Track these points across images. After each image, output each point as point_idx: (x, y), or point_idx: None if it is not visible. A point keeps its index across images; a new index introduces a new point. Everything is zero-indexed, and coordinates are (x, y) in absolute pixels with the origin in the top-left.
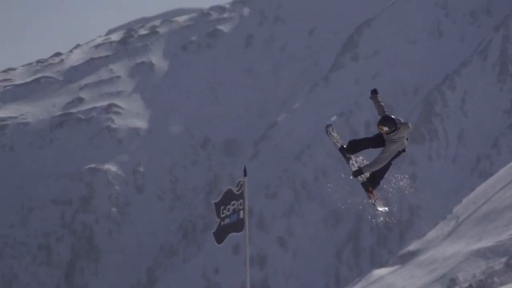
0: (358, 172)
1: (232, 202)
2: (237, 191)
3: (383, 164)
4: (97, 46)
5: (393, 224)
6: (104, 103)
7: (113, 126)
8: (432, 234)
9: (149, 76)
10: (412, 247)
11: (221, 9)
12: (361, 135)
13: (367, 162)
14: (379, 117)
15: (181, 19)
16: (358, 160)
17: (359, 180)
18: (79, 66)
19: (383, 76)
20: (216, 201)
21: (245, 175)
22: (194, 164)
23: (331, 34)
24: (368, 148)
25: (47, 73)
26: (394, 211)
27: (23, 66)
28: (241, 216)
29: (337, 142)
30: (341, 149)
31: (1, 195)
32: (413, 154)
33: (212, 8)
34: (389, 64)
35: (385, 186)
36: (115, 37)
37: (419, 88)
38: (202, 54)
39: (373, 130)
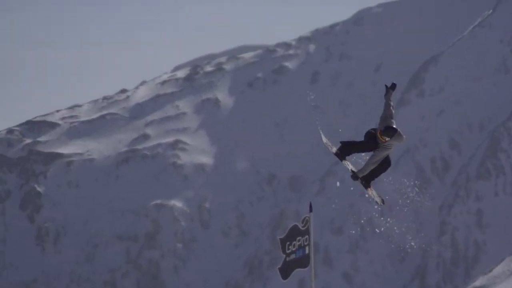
0: (355, 177)
1: (298, 238)
2: (302, 226)
3: (374, 167)
4: (163, 82)
5: (459, 260)
6: (170, 139)
7: (179, 162)
8: (498, 270)
9: (215, 112)
10: (478, 283)
11: (286, 45)
12: (427, 171)
13: (360, 167)
14: (380, 120)
15: (247, 55)
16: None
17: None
18: (145, 103)
19: (449, 112)
20: (281, 237)
21: (310, 210)
22: (259, 200)
23: (397, 70)
24: (360, 152)
25: (113, 110)
26: (460, 247)
27: (89, 102)
28: (307, 251)
29: (331, 147)
30: (337, 154)
31: (67, 231)
32: (479, 190)
33: (278, 45)
34: (455, 100)
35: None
36: (181, 73)
37: (485, 124)
38: (268, 91)
39: (440, 166)
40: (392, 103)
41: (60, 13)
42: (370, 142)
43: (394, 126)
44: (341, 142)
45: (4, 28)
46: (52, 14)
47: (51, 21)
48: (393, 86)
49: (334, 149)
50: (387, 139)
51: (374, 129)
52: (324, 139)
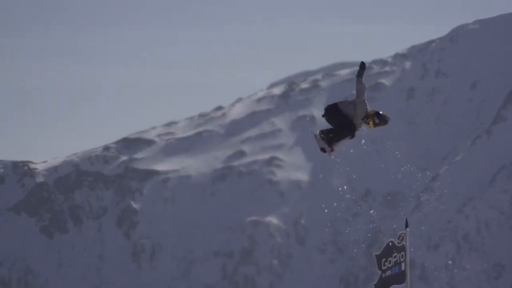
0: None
1: (394, 254)
2: (398, 243)
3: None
4: (259, 99)
5: None
6: (266, 156)
7: (275, 179)
8: None
9: (310, 129)
10: None
11: (382, 62)
12: None
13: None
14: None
15: (343, 72)
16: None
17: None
18: (241, 120)
19: None
20: (377, 253)
21: (406, 227)
22: (355, 216)
23: (493, 87)
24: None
25: (209, 127)
26: None
27: (185, 119)
28: (403, 268)
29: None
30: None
31: (163, 247)
32: None
33: (374, 62)
34: None
35: None
36: (276, 90)
37: None
38: None
39: None
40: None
41: (156, 32)
42: (348, 128)
43: (383, 113)
44: (321, 132)
45: (101, 47)
46: (148, 33)
47: (147, 40)
48: (363, 65)
49: (325, 146)
50: (378, 124)
51: (342, 116)
52: (321, 144)
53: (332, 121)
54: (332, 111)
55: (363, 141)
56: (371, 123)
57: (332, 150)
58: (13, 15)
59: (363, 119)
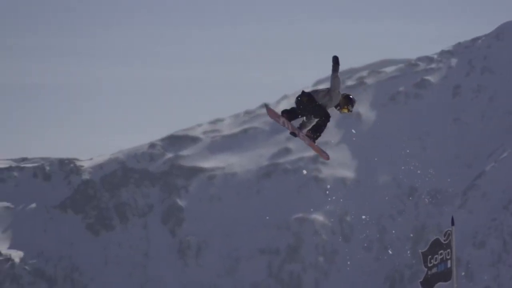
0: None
1: (440, 252)
2: (444, 240)
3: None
4: None
5: None
6: (311, 153)
7: (320, 176)
8: None
9: (356, 126)
10: None
11: (428, 59)
12: None
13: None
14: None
15: (389, 69)
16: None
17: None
18: None
19: None
20: (423, 250)
21: (452, 224)
22: (401, 213)
23: None
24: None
25: (255, 124)
26: None
27: (230, 116)
28: (449, 265)
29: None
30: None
31: (209, 244)
32: None
33: (420, 59)
34: None
35: None
36: (322, 87)
37: None
38: (409, 104)
39: None
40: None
41: (201, 30)
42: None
43: (352, 97)
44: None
45: (144, 45)
46: (194, 32)
47: (193, 38)
48: (336, 60)
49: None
50: (351, 110)
51: (316, 105)
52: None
53: (306, 108)
54: (306, 100)
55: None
56: (346, 111)
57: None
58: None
59: (336, 107)
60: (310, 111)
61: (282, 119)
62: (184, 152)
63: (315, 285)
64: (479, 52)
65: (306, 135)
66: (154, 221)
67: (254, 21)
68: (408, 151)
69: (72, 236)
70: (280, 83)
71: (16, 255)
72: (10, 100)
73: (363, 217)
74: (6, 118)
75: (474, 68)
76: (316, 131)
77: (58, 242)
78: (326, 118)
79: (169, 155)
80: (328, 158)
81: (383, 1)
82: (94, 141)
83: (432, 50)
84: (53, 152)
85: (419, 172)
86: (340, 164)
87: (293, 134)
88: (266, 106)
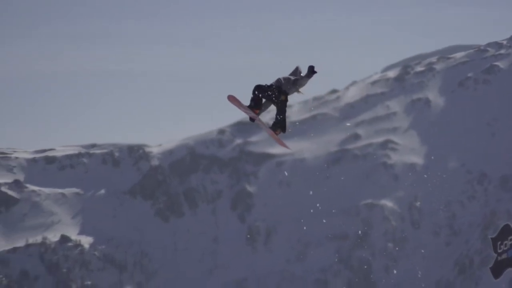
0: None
1: (510, 238)
2: None
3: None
4: (373, 82)
5: None
6: (380, 139)
7: (389, 162)
8: None
9: (425, 112)
10: None
11: (498, 45)
12: None
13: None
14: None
15: (458, 55)
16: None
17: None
18: (356, 103)
19: None
20: (493, 236)
21: None
22: (470, 199)
23: None
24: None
25: (324, 110)
26: None
27: (299, 103)
28: None
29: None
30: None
31: (278, 230)
32: None
33: (489, 45)
34: None
35: None
36: (391, 73)
37: None
38: (479, 90)
39: None
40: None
41: (272, 16)
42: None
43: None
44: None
45: (216, 32)
46: (264, 18)
47: (262, 24)
48: (312, 69)
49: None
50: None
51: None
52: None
53: (265, 93)
54: (264, 89)
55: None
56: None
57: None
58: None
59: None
60: (268, 94)
61: (249, 111)
62: (253, 138)
63: (385, 271)
64: None
65: (274, 130)
66: (223, 207)
67: (325, 9)
68: (477, 136)
69: (141, 222)
70: (350, 68)
71: (86, 241)
72: (80, 86)
73: (433, 203)
74: (76, 105)
75: None
76: (281, 123)
77: (127, 228)
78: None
79: (238, 141)
80: (288, 148)
81: None
82: (163, 127)
83: (501, 36)
84: (122, 138)
85: (488, 158)
86: (409, 150)
87: (252, 120)
88: (229, 96)
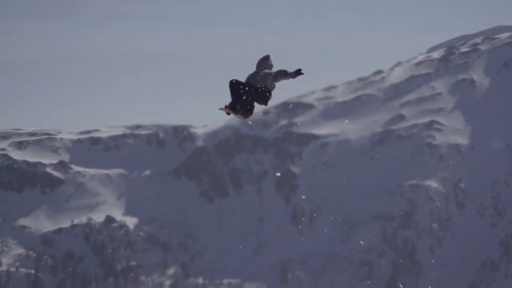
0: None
1: None
2: None
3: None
4: (418, 63)
5: None
6: (425, 120)
7: (434, 142)
8: None
9: (470, 92)
10: None
11: None
12: None
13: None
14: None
15: (503, 36)
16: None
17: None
18: (400, 84)
19: None
20: None
21: None
22: None
23: None
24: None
25: (368, 91)
26: None
27: (344, 83)
28: None
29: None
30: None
31: (323, 211)
32: None
33: None
34: None
35: None
36: (436, 54)
37: None
38: None
39: None
40: (280, 79)
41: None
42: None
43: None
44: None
45: (263, 14)
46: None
47: (310, 7)
48: (299, 72)
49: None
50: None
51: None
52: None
53: (243, 92)
54: (241, 86)
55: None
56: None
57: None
58: None
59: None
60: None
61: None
62: (298, 119)
63: (429, 251)
64: None
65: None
66: (268, 187)
67: None
68: None
69: (186, 202)
70: (394, 49)
71: (131, 222)
72: (126, 67)
73: (477, 183)
74: (121, 86)
75: None
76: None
77: (172, 208)
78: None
79: (283, 122)
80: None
81: None
82: (208, 108)
83: None
84: (167, 119)
85: None
86: (454, 131)
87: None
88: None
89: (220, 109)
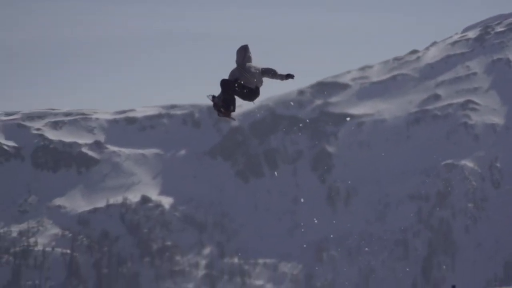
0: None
1: None
2: None
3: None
4: (454, 43)
5: None
6: (461, 99)
7: (470, 122)
8: None
9: (506, 72)
10: None
11: None
12: None
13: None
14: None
15: None
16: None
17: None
18: (436, 63)
19: None
20: None
21: None
22: None
23: None
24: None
25: (404, 70)
26: None
27: (379, 63)
28: None
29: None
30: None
31: (358, 191)
32: None
33: None
34: None
35: None
36: (471, 34)
37: None
38: None
39: None
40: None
41: None
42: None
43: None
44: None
45: None
46: None
47: None
48: (291, 77)
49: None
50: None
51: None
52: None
53: (232, 90)
54: (231, 85)
55: None
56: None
57: (228, 114)
58: None
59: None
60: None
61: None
62: (333, 99)
63: (465, 231)
64: None
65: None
66: (303, 167)
67: None
68: None
69: (221, 182)
70: (430, 29)
71: (166, 201)
72: (161, 47)
73: None
74: (157, 66)
75: None
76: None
77: (207, 188)
78: (254, 93)
79: (318, 101)
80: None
81: None
82: None
83: None
84: (202, 99)
85: None
86: (489, 110)
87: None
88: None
89: (210, 100)
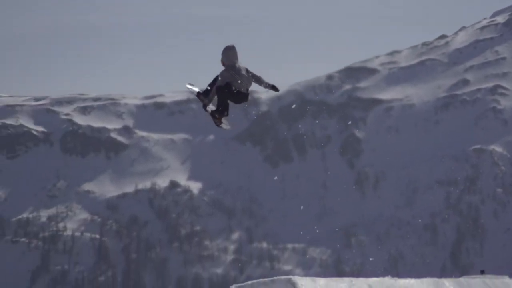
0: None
1: None
2: None
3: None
4: (482, 28)
5: None
6: (489, 84)
7: (499, 107)
8: None
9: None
10: None
11: None
12: None
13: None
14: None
15: None
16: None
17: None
18: (464, 48)
19: None
20: None
21: None
22: None
23: None
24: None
25: (432, 55)
26: None
27: (408, 48)
28: None
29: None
30: (199, 94)
31: (387, 176)
32: None
33: None
34: None
35: None
36: (500, 19)
37: None
38: None
39: None
40: (260, 83)
41: None
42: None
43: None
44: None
45: None
46: None
47: None
48: (275, 89)
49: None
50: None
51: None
52: (191, 88)
53: (228, 95)
54: (227, 89)
55: None
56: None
57: (221, 120)
58: None
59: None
60: (230, 95)
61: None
62: (362, 84)
63: (494, 216)
64: None
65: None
66: (332, 152)
67: None
68: None
69: (250, 167)
70: (458, 14)
71: (195, 187)
72: (189, 33)
73: None
74: (186, 51)
75: None
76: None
77: (236, 173)
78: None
79: (347, 86)
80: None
81: None
82: (272, 73)
83: None
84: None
85: None
86: None
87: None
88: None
89: (190, 90)
